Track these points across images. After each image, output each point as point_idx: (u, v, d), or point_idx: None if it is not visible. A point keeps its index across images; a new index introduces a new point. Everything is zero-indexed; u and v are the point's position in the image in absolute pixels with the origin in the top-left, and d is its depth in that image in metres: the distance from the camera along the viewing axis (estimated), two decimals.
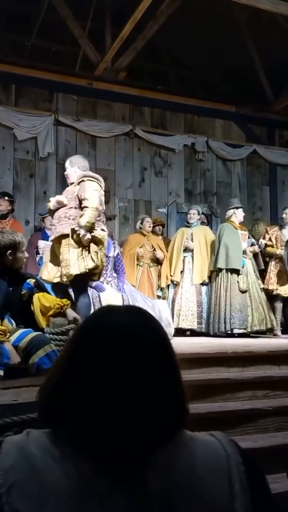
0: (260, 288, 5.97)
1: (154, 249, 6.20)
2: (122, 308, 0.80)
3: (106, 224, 4.99)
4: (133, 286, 5.68)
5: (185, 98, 8.02)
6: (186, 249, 6.29)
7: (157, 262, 6.25)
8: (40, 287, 3.18)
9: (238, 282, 5.82)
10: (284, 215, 6.43)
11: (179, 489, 0.68)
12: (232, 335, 5.67)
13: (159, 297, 6.08)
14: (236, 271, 5.85)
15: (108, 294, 4.98)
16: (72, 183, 4.23)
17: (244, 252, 5.95)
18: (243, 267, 5.87)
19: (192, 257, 6.24)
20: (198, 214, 6.56)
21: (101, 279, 5.16)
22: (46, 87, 7.28)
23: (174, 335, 5.49)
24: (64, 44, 7.79)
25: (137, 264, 6.11)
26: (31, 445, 0.69)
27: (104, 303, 4.84)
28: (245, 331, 5.69)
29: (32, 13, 7.30)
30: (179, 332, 5.91)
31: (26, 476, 0.66)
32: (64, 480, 0.66)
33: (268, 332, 5.98)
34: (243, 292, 5.80)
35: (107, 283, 5.17)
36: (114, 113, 7.75)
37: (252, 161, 8.57)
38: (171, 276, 6.22)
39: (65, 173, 4.39)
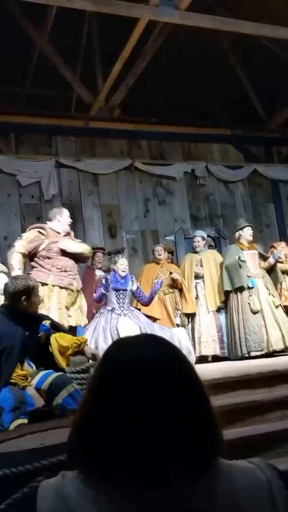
0: (276, 306, 5.80)
1: (171, 273, 6.14)
2: (136, 338, 0.79)
3: (122, 256, 5.20)
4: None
5: (180, 127, 8.17)
6: (197, 276, 6.25)
7: (173, 287, 6.15)
8: (55, 327, 3.18)
9: (249, 303, 5.73)
10: None
11: None
12: (251, 358, 5.56)
13: (177, 325, 6.00)
14: (246, 292, 5.76)
15: (126, 326, 4.97)
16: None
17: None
18: (252, 287, 5.78)
19: (204, 282, 6.20)
20: (203, 239, 6.50)
21: (118, 312, 5.15)
22: (45, 132, 7.47)
23: (196, 363, 5.44)
24: (58, 89, 8.03)
25: None
26: (67, 487, 0.69)
27: (122, 335, 4.80)
28: (262, 352, 5.56)
29: (24, 62, 7.57)
30: (202, 359, 5.83)
31: None
32: None
33: None
34: (255, 312, 5.70)
35: (125, 316, 5.15)
36: (112, 150, 7.90)
37: (254, 180, 8.63)
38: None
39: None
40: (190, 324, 6.11)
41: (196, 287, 6.23)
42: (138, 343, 0.77)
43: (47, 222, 4.73)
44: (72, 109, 7.68)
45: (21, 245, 4.39)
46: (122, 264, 5.40)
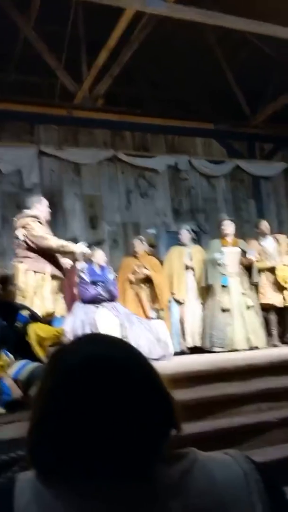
0: (248, 307, 5.86)
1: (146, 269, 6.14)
2: (83, 339, 0.78)
3: (100, 248, 5.18)
4: None
5: (164, 120, 8.15)
6: (187, 269, 6.31)
7: (148, 281, 6.17)
8: (34, 317, 3.16)
9: (219, 301, 5.83)
10: (258, 230, 6.47)
11: (199, 510, 0.67)
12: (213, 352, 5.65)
13: (153, 318, 6.03)
14: (219, 289, 5.86)
15: (105, 318, 4.97)
16: None
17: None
18: (226, 286, 5.86)
19: (194, 275, 6.26)
20: (189, 233, 6.57)
21: (97, 304, 5.16)
22: (27, 119, 7.37)
23: (180, 354, 5.55)
24: (42, 76, 7.91)
25: (130, 288, 6.08)
26: (17, 489, 0.68)
27: (101, 328, 4.82)
28: (224, 350, 5.64)
29: (8, 49, 7.43)
30: (197, 350, 5.89)
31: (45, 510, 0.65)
32: None
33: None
34: (224, 310, 5.79)
35: (103, 307, 5.16)
36: (95, 140, 7.85)
37: (236, 176, 8.69)
38: (173, 294, 6.18)
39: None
40: (178, 316, 6.14)
41: (187, 279, 6.29)
42: (86, 344, 0.75)
43: (24, 210, 4.68)
44: (56, 98, 7.59)
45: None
46: (102, 256, 5.40)
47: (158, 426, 0.70)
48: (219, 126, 8.58)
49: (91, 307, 5.14)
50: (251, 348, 5.65)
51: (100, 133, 7.88)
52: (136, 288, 6.05)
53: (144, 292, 6.09)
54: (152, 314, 6.07)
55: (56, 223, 7.36)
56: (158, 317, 6.05)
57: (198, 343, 5.99)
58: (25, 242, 4.33)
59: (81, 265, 5.57)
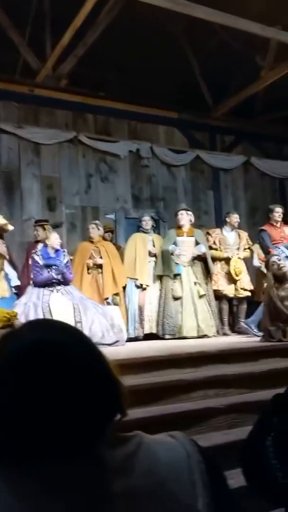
0: (200, 296, 5.98)
1: (101, 257, 6.17)
2: (27, 326, 0.78)
3: (56, 231, 5.12)
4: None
5: (128, 105, 8.09)
6: (149, 255, 6.38)
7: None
8: None
9: (172, 289, 5.93)
10: (228, 219, 6.67)
11: (142, 490, 0.69)
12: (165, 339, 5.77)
13: (108, 303, 6.06)
14: (171, 278, 5.98)
15: (59, 303, 4.93)
16: None
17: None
18: (179, 274, 5.96)
19: (155, 262, 6.32)
20: (152, 220, 6.73)
21: (51, 288, 5.12)
22: None
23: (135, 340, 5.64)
24: (4, 51, 7.64)
25: (87, 273, 6.09)
26: None
27: (54, 313, 4.79)
28: (174, 337, 5.77)
29: None
30: (155, 337, 5.96)
31: None
32: (19, 504, 0.65)
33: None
34: (176, 299, 5.90)
35: (57, 291, 5.12)
36: (57, 120, 7.69)
37: (196, 166, 8.76)
38: (136, 279, 6.23)
39: None
40: (138, 302, 6.18)
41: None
42: (34, 329, 0.75)
43: None
44: (17, 74, 7.36)
45: None
46: (56, 239, 5.34)
47: (103, 410, 0.72)
48: (182, 115, 8.60)
49: (44, 290, 5.09)
50: (200, 337, 5.77)
51: (62, 114, 7.73)
52: (94, 273, 6.07)
53: (101, 277, 6.13)
54: (109, 299, 6.11)
55: (13, 203, 7.21)
56: (114, 303, 6.09)
57: (154, 330, 6.08)
58: None
59: (36, 247, 5.51)
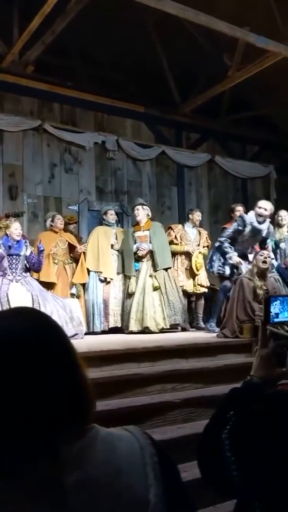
0: (155, 288, 5.93)
1: (74, 247, 6.12)
2: (6, 311, 0.78)
3: (15, 220, 5.03)
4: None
5: (96, 96, 8.01)
6: (112, 248, 6.37)
7: (73, 259, 6.20)
8: None
9: (128, 284, 6.00)
10: (190, 216, 6.76)
11: (96, 481, 0.70)
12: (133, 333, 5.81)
13: (72, 295, 6.02)
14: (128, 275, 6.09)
15: (18, 294, 4.86)
16: None
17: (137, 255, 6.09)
18: (137, 270, 6.01)
19: (118, 256, 6.31)
20: (115, 213, 6.74)
21: (10, 278, 5.03)
22: None
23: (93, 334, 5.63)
24: None
25: (53, 262, 6.03)
26: None
27: (12, 302, 4.71)
28: (133, 331, 5.78)
29: None
30: (118, 331, 5.98)
31: None
32: None
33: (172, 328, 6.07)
34: (130, 295, 5.94)
35: (17, 282, 5.04)
36: (22, 107, 7.53)
37: (161, 162, 8.79)
38: (100, 272, 6.21)
39: None
40: (102, 295, 6.17)
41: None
42: (5, 316, 0.76)
43: None
44: None
45: None
46: (16, 229, 5.25)
47: (67, 405, 0.72)
48: (150, 110, 8.60)
49: (3, 280, 5.00)
50: (165, 330, 5.80)
51: (27, 101, 7.57)
52: (61, 264, 6.06)
53: (69, 268, 6.12)
54: (73, 290, 6.08)
55: None
56: (77, 295, 6.07)
57: (119, 324, 6.09)
58: None
59: None
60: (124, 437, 0.77)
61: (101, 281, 6.25)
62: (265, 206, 5.35)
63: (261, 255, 4.81)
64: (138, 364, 3.68)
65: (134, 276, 6.02)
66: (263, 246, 5.48)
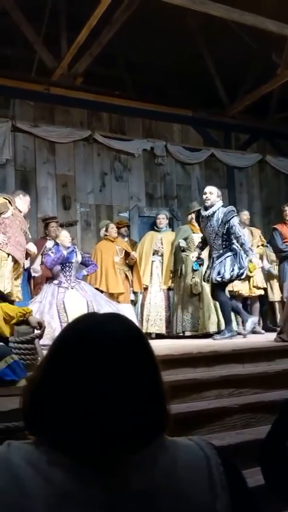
0: None
1: (128, 254, 6.15)
2: (100, 314, 0.81)
3: (69, 230, 5.18)
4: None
5: (143, 103, 8.08)
6: (155, 253, 6.34)
7: (129, 266, 6.23)
8: (1, 296, 3.13)
9: (190, 285, 5.91)
10: (245, 217, 6.63)
11: (161, 490, 0.69)
12: (185, 337, 5.74)
13: (132, 301, 6.10)
14: (189, 274, 5.96)
15: (73, 299, 4.96)
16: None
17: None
18: (196, 270, 5.92)
19: (161, 262, 6.30)
20: (167, 218, 6.70)
21: (65, 285, 5.15)
22: (2, 93, 7.17)
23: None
24: (19, 50, 7.70)
25: (115, 273, 6.07)
26: (13, 456, 0.70)
27: (68, 308, 4.81)
28: (196, 333, 5.75)
29: None
30: (156, 337, 5.99)
31: (8, 486, 0.66)
32: (45, 487, 0.67)
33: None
34: (195, 295, 5.87)
35: (72, 288, 5.14)
36: (72, 119, 7.72)
37: (210, 165, 8.73)
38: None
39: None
40: (140, 301, 6.21)
41: (152, 264, 6.32)
42: (100, 318, 0.78)
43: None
44: (33, 72, 7.40)
45: None
46: (66, 236, 5.37)
47: (151, 409, 0.73)
48: (197, 113, 8.57)
49: (60, 289, 5.12)
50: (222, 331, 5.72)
51: (77, 112, 7.76)
52: (122, 271, 6.10)
53: (129, 274, 6.17)
54: (132, 296, 6.14)
55: None
56: (136, 301, 6.13)
57: (163, 331, 6.08)
58: None
59: (48, 245, 5.55)
60: (188, 446, 0.77)
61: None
62: None
63: None
64: (194, 369, 3.65)
65: (192, 270, 5.93)
66: None
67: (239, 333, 6.11)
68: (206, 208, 5.24)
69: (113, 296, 5.74)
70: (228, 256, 5.11)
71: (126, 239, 6.71)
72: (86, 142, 7.71)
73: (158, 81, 8.54)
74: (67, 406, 0.70)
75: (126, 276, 6.12)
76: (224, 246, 5.16)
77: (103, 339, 0.73)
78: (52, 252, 5.27)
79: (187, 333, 5.79)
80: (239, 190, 8.96)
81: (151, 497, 0.69)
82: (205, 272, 5.36)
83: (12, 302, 3.57)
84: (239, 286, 6.27)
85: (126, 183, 8.01)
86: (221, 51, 7.77)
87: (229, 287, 6.17)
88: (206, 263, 5.61)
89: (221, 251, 5.16)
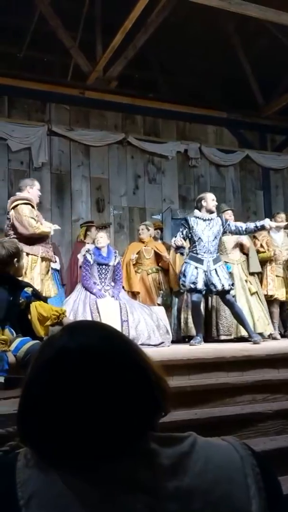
0: (252, 293, 5.84)
1: (160, 256, 6.11)
2: (85, 326, 0.80)
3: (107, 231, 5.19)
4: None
5: (177, 106, 8.07)
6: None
7: (161, 268, 6.18)
8: (36, 295, 3.18)
9: None
10: (273, 220, 6.48)
11: (195, 490, 0.69)
12: (220, 341, 5.67)
13: (158, 304, 6.06)
14: None
15: (106, 302, 4.99)
16: None
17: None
18: (230, 272, 5.83)
19: None
20: None
21: (99, 287, 5.19)
22: (39, 97, 7.32)
23: (177, 342, 5.60)
24: (55, 54, 7.84)
25: (135, 271, 6.08)
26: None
27: (101, 311, 4.85)
28: (230, 337, 5.66)
29: (23, 24, 7.36)
30: (188, 339, 5.93)
31: (43, 487, 0.67)
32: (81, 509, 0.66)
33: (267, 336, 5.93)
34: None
35: (105, 291, 5.17)
36: (106, 122, 7.80)
37: (245, 166, 8.63)
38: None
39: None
40: (177, 305, 6.16)
41: None
42: (83, 331, 0.77)
43: (17, 193, 4.70)
44: (69, 77, 7.52)
45: (36, 225, 4.40)
46: (102, 237, 5.39)
47: (143, 408, 0.72)
48: (232, 115, 8.49)
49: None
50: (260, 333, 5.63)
51: (111, 115, 7.83)
52: (144, 273, 6.08)
53: (152, 277, 6.12)
54: (158, 299, 6.10)
55: (63, 205, 7.38)
56: (164, 303, 6.08)
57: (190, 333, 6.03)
58: (13, 225, 4.39)
59: (87, 247, 5.60)
60: (222, 447, 0.76)
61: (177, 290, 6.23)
62: None
63: None
64: (226, 373, 3.60)
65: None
66: None
67: (274, 338, 6.03)
68: (210, 212, 5.45)
69: (135, 296, 5.74)
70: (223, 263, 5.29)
71: (159, 241, 6.70)
72: (120, 145, 7.77)
73: (192, 83, 8.52)
74: (52, 421, 0.69)
75: (148, 278, 6.07)
76: (217, 250, 5.35)
77: (81, 350, 0.72)
78: (90, 254, 5.29)
79: (222, 337, 5.72)
80: (274, 192, 8.82)
81: (186, 498, 0.68)
82: (192, 275, 5.17)
83: (45, 299, 3.62)
84: (275, 291, 6.14)
85: (159, 186, 8.01)
86: (256, 52, 7.68)
87: (265, 292, 6.08)
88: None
89: (215, 256, 5.17)
